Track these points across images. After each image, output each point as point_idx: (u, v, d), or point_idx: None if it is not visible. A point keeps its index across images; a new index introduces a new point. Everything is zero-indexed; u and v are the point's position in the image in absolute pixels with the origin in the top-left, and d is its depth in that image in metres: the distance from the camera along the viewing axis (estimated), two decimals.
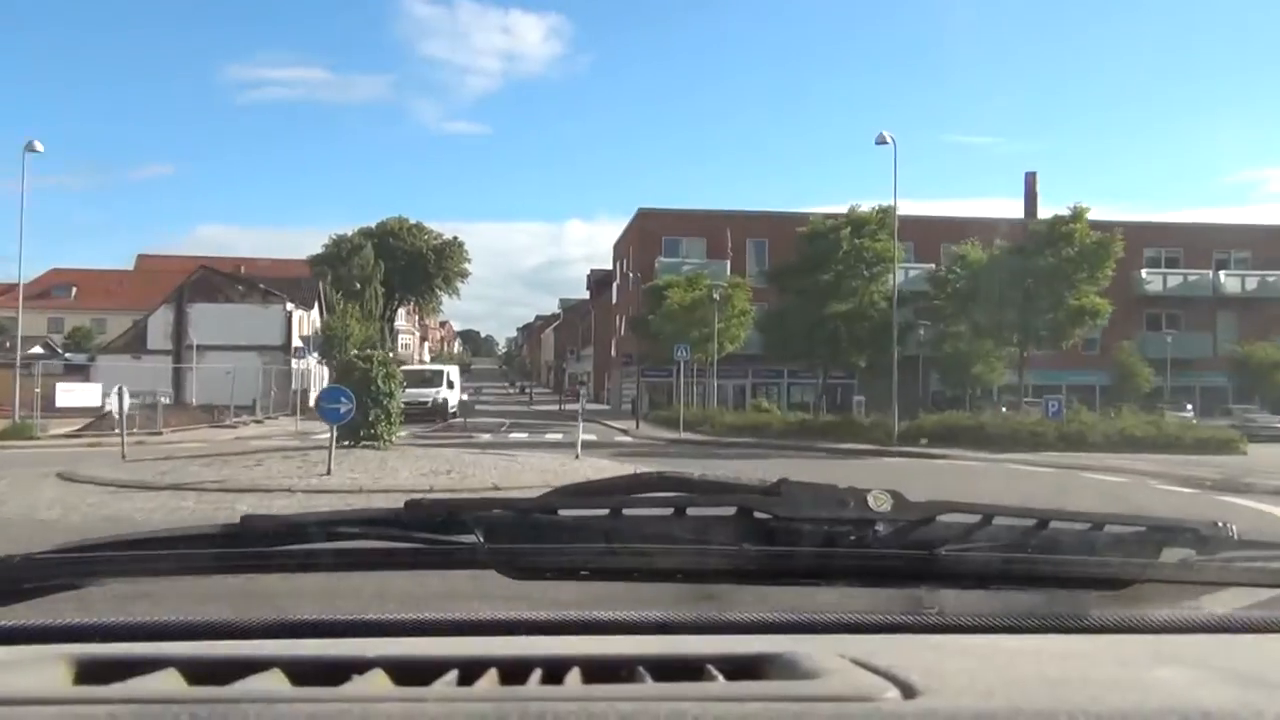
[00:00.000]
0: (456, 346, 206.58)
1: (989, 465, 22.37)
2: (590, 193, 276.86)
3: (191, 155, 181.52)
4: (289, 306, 52.58)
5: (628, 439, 33.06)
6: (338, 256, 78.91)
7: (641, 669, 0.97)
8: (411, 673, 0.95)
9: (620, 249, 59.63)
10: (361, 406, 17.79)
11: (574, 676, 0.95)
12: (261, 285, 53.66)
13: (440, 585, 1.58)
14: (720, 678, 0.96)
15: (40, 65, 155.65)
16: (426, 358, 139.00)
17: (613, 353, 58.51)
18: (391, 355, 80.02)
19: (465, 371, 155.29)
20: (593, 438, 32.09)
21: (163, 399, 40.02)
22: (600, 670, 0.97)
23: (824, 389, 42.14)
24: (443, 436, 31.26)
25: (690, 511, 1.36)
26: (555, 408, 57.85)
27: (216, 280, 53.72)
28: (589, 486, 1.60)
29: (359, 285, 77.07)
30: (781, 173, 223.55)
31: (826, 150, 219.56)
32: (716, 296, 36.38)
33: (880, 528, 1.32)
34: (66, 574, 1.35)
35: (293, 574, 1.39)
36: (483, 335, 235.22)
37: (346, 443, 17.94)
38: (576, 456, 19.71)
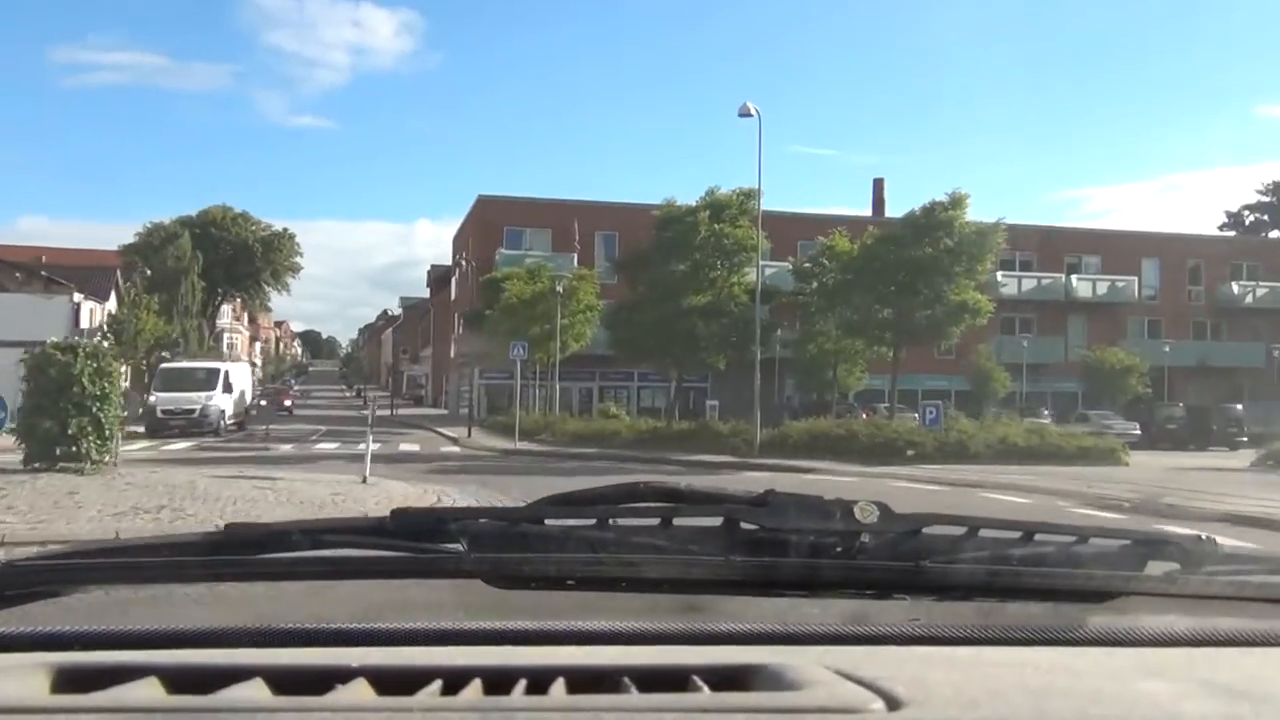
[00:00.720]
0: (296, 347, 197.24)
1: (866, 481, 19.13)
2: (440, 192, 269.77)
3: (13, 141, 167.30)
4: (77, 298, 45.81)
5: (456, 449, 28.89)
6: (150, 246, 71.42)
7: (627, 679, 0.97)
8: (395, 682, 0.95)
9: (459, 241, 54.71)
10: (59, 415, 13.09)
11: (559, 687, 0.95)
12: (44, 273, 46.66)
13: (425, 594, 1.42)
14: (705, 688, 0.95)
15: None
16: (258, 359, 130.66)
17: (451, 353, 53.70)
18: (198, 350, 72.08)
19: (302, 374, 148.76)
20: (416, 448, 28.43)
21: None
22: (585, 680, 0.97)
23: (677, 393, 38.68)
24: (228, 449, 26.23)
25: (677, 522, 1.38)
26: (388, 412, 52.88)
27: None
28: (576, 496, 1.54)
29: (177, 278, 69.98)
30: (636, 169, 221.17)
31: (680, 146, 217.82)
32: (559, 289, 32.18)
33: (866, 539, 1.34)
34: (47, 581, 1.34)
35: (276, 582, 1.38)
36: (324, 336, 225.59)
37: (37, 465, 13.21)
38: (364, 480, 15.32)
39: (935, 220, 29.66)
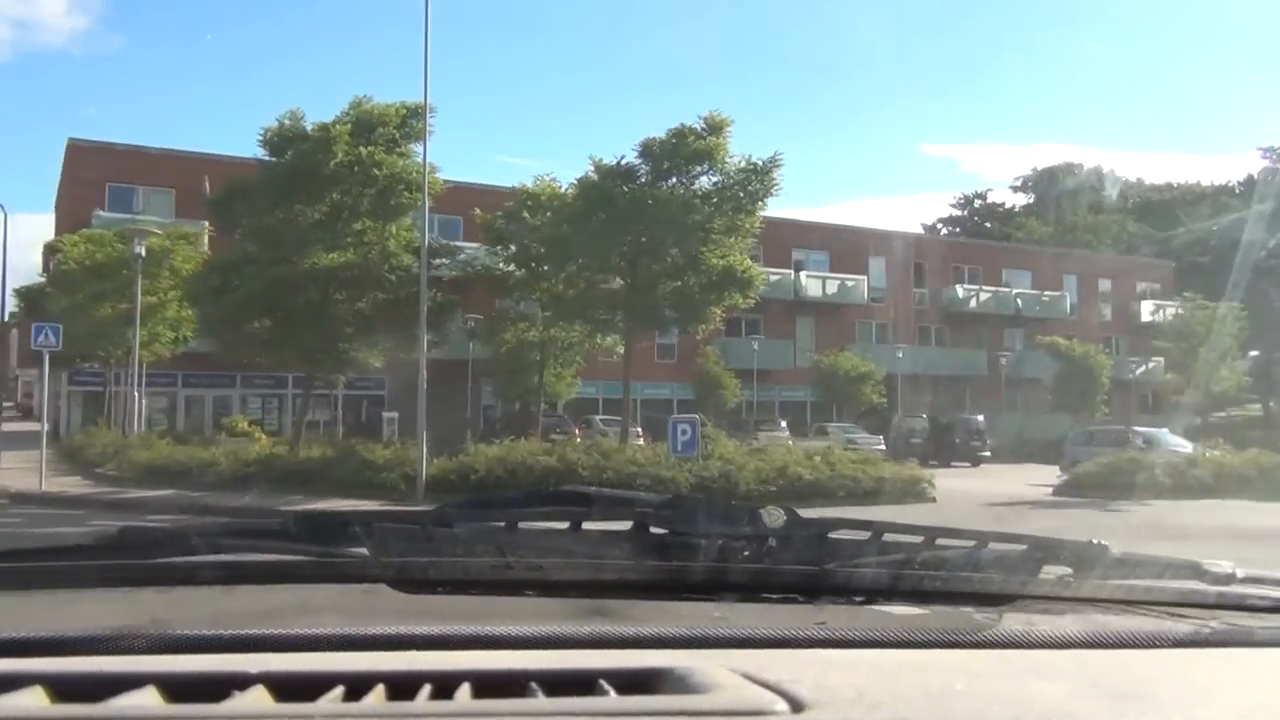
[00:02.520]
0: None
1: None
2: None
3: None
4: None
5: None
6: None
7: (533, 683, 0.95)
8: (296, 688, 0.92)
9: (60, 209, 40.91)
10: None
11: (464, 691, 0.93)
12: None
13: (328, 599, 1.37)
14: (612, 692, 0.94)
15: None
16: None
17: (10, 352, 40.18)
18: None
19: None
20: None
21: None
22: (491, 685, 0.94)
23: (336, 401, 28.55)
24: None
25: (586, 525, 1.36)
26: None
27: None
28: (485, 499, 1.60)
29: None
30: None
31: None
32: (140, 250, 20.97)
33: (773, 543, 1.34)
34: None
35: (174, 587, 1.31)
36: None
37: None
38: None
39: (686, 150, 20.07)
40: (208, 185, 28.59)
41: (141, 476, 19.09)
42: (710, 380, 39.86)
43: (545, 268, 22.84)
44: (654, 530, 1.33)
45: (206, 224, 25.64)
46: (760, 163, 20.33)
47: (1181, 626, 1.33)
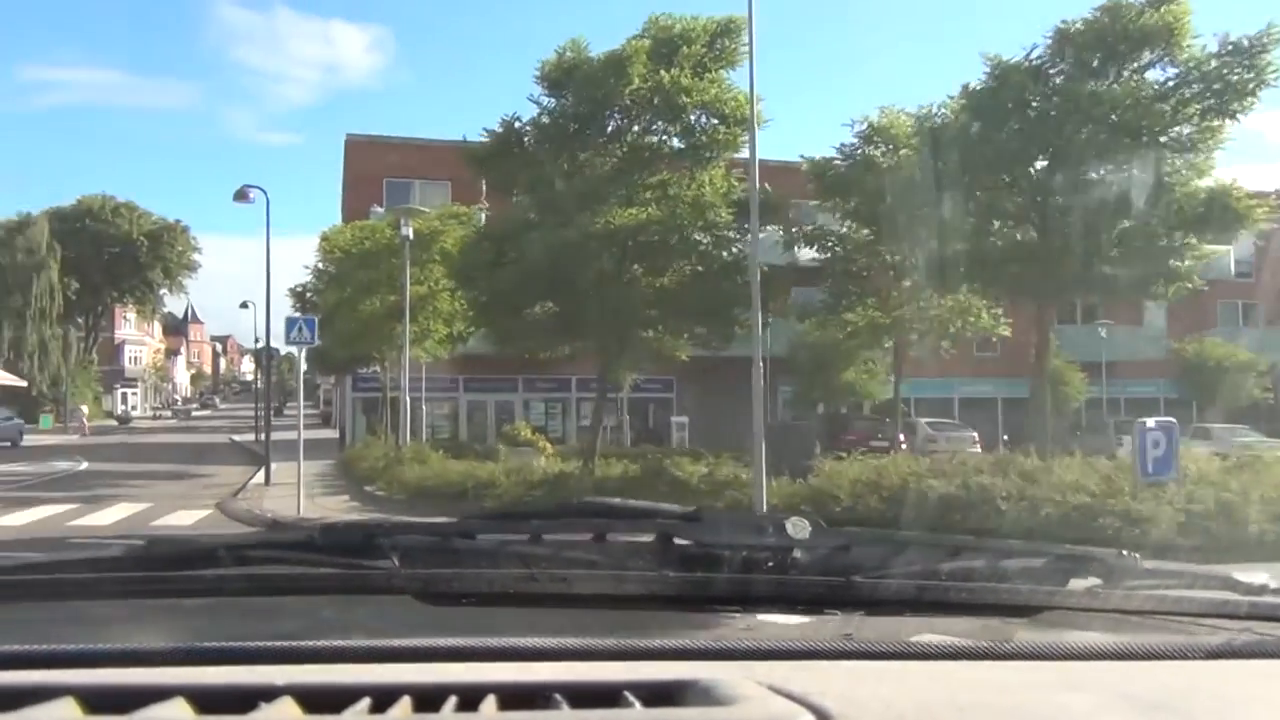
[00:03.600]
0: (244, 365, 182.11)
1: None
2: None
3: None
4: None
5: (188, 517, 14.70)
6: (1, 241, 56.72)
7: (558, 696, 0.95)
8: (322, 700, 0.92)
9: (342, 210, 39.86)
10: None
11: (489, 704, 0.93)
12: None
13: (354, 611, 1.36)
14: (637, 704, 0.93)
15: None
16: (183, 377, 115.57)
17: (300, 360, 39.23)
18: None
19: (243, 391, 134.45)
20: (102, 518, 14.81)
21: None
22: (516, 697, 0.94)
23: (621, 405, 24.71)
24: None
25: (610, 537, 1.36)
26: (251, 437, 38.69)
27: None
28: (509, 511, 1.27)
29: (30, 276, 55.29)
30: None
31: None
32: (406, 232, 17.74)
33: (798, 554, 1.32)
34: None
35: (201, 599, 1.31)
36: (282, 353, 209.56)
37: None
38: None
39: (1127, 30, 13.24)
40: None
41: (411, 498, 15.75)
42: (1057, 375, 33.14)
43: (899, 221, 16.73)
44: (678, 541, 1.31)
45: (484, 202, 21.99)
46: (1244, 41, 13.48)
47: (1213, 638, 1.29)
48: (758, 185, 11.41)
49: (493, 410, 33.23)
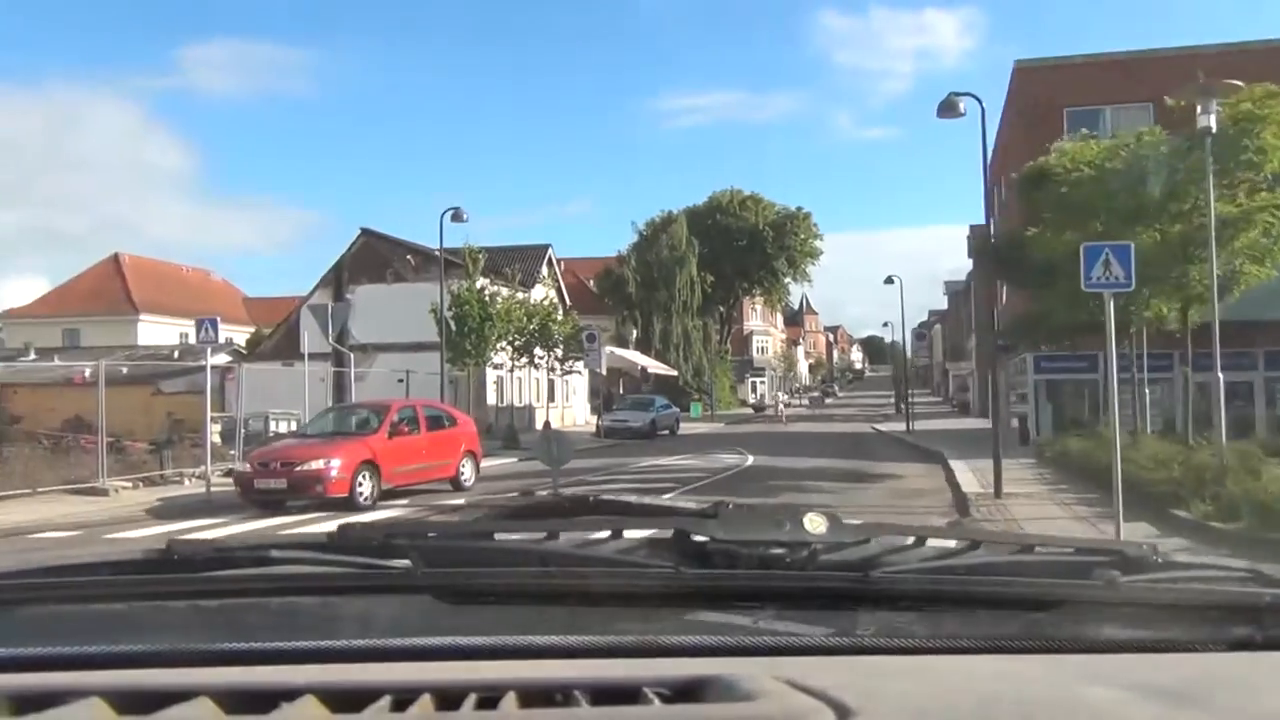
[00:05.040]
0: (855, 354, 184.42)
1: None
2: None
3: (608, 189, 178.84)
4: (489, 286, 33.43)
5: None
6: (647, 240, 60.15)
7: (578, 693, 0.94)
8: (344, 699, 0.92)
9: (996, 164, 33.66)
10: None
11: (509, 702, 0.93)
12: (439, 253, 35.13)
13: (374, 610, 1.36)
14: (657, 701, 0.93)
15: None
16: (803, 367, 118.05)
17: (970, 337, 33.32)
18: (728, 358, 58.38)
19: (856, 380, 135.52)
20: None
21: (284, 422, 25.71)
22: (536, 695, 0.94)
23: None
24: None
25: (627, 534, 1.36)
26: (902, 428, 34.70)
27: (384, 250, 36.15)
28: (525, 510, 1.52)
29: (673, 271, 57.78)
30: None
31: None
32: (1208, 121, 11.51)
33: (816, 550, 1.30)
34: None
35: (222, 600, 1.31)
36: (888, 342, 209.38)
37: None
38: None
39: None
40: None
41: (1257, 530, 9.60)
42: None
43: None
44: (696, 538, 1.29)
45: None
46: None
47: (1234, 630, 1.27)
48: None
49: (1220, 391, 25.12)
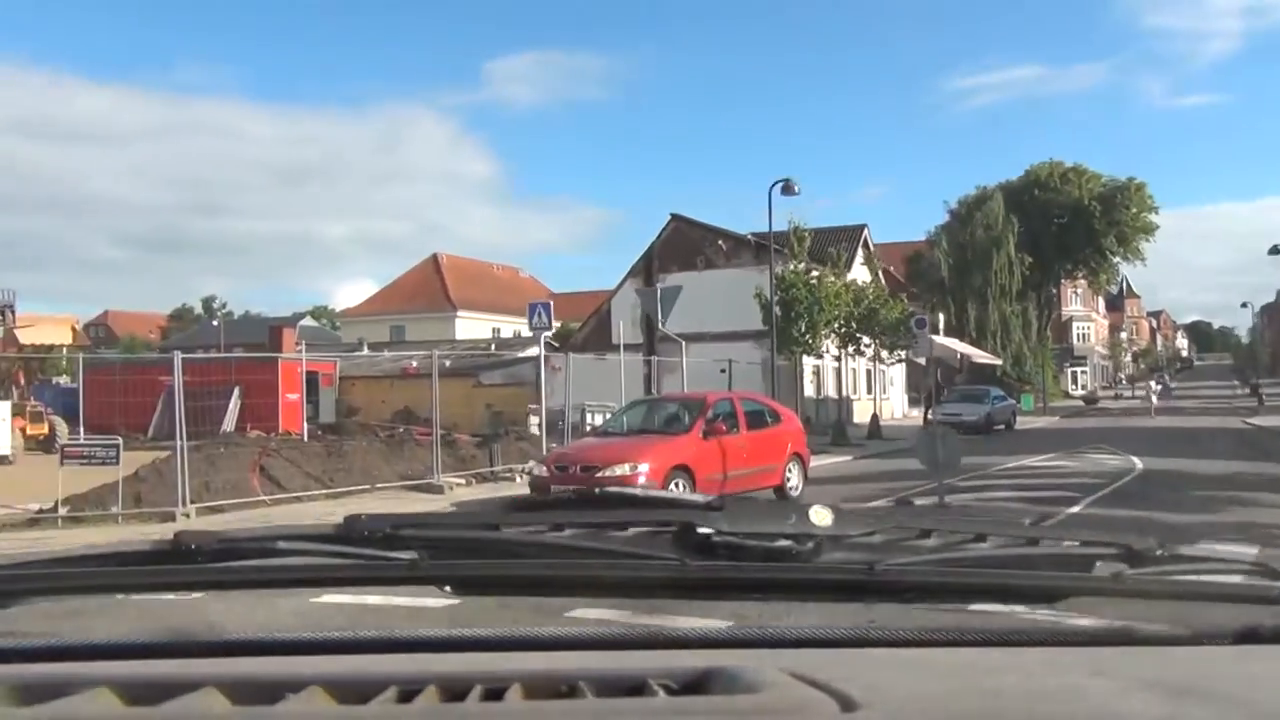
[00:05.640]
0: (1180, 340, 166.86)
1: None
2: None
3: (900, 173, 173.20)
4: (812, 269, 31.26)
5: None
6: (959, 220, 55.77)
7: (583, 685, 0.94)
8: (349, 691, 0.93)
9: None
10: None
11: (515, 693, 0.92)
12: (751, 238, 33.19)
13: (380, 602, 1.23)
14: (662, 693, 0.93)
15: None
16: (1127, 357, 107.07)
17: None
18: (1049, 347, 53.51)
19: (1184, 369, 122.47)
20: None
21: (599, 414, 24.27)
22: (541, 687, 0.94)
23: None
24: None
25: (633, 527, 1.35)
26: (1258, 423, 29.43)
27: (694, 236, 34.72)
28: (532, 502, 1.37)
29: (989, 252, 53.12)
30: None
31: None
32: None
33: (822, 542, 1.29)
34: None
35: (228, 591, 1.32)
36: (1215, 328, 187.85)
37: None
38: None
39: None
40: None
41: None
42: None
43: None
44: (701, 530, 1.25)
45: None
46: None
47: (1240, 622, 1.26)
48: None
49: None
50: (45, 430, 25.04)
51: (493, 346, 41.76)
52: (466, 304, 58.94)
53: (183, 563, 1.24)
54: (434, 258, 62.97)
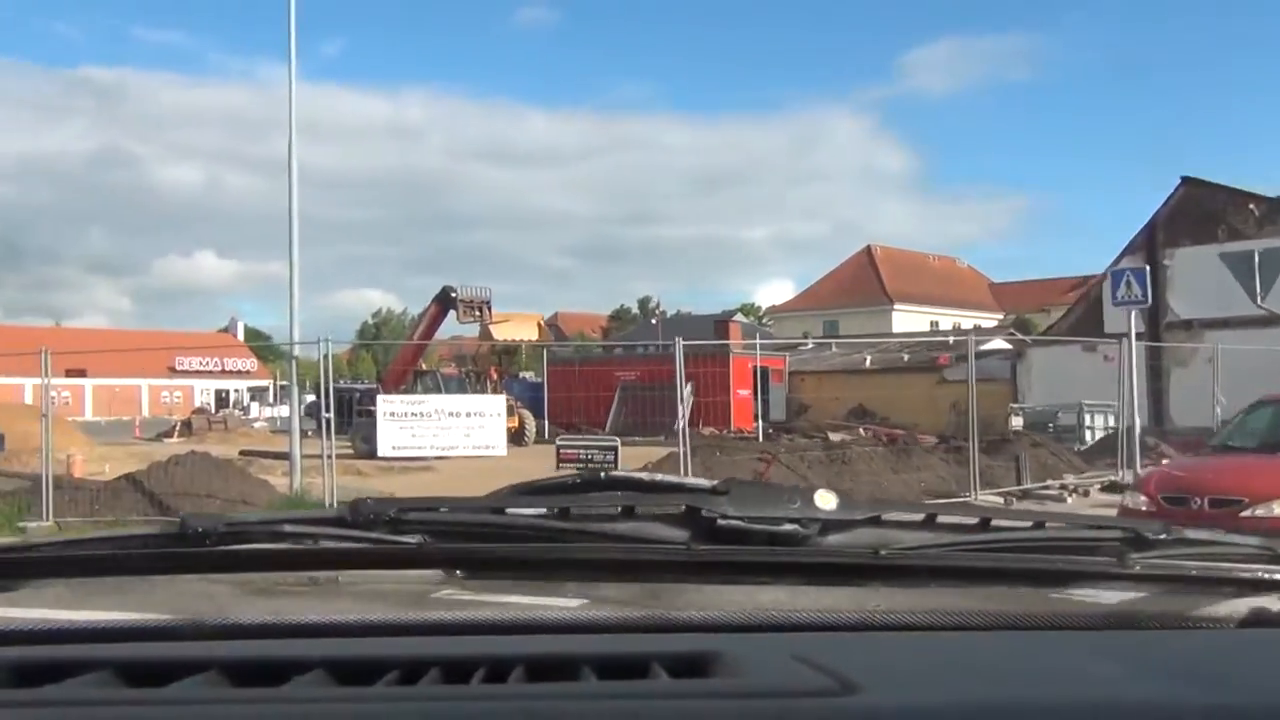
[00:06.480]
0: None
1: None
2: None
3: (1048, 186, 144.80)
4: None
5: None
6: None
7: (585, 667, 0.95)
8: (353, 673, 0.93)
9: None
10: None
11: (517, 675, 0.93)
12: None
13: (383, 585, 1.35)
14: (664, 675, 0.93)
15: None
16: None
17: None
18: None
19: None
20: None
21: (1099, 415, 21.38)
22: (544, 669, 0.94)
23: None
24: None
25: (638, 510, 1.34)
26: None
27: (1212, 203, 28.36)
28: (537, 486, 1.51)
29: None
30: None
31: None
32: None
33: (826, 526, 1.29)
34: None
35: (233, 574, 1.34)
36: None
37: None
38: None
39: None
40: None
41: None
42: None
43: None
44: (705, 514, 1.24)
45: None
46: None
47: (1245, 606, 1.26)
48: None
49: None
50: (516, 424, 25.29)
51: (950, 341, 37.95)
52: (902, 296, 55.36)
53: (190, 546, 1.22)
54: (867, 250, 59.95)
